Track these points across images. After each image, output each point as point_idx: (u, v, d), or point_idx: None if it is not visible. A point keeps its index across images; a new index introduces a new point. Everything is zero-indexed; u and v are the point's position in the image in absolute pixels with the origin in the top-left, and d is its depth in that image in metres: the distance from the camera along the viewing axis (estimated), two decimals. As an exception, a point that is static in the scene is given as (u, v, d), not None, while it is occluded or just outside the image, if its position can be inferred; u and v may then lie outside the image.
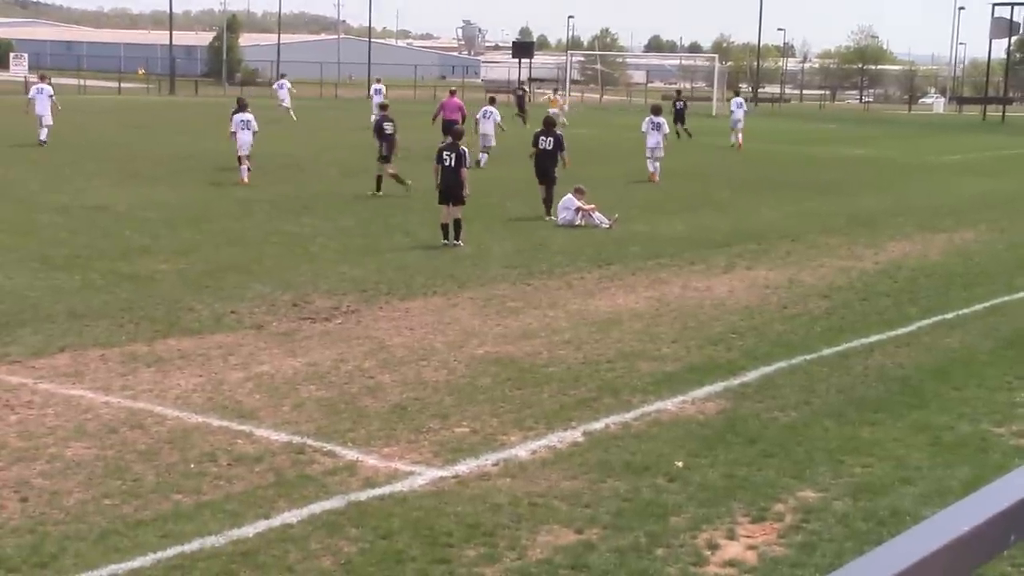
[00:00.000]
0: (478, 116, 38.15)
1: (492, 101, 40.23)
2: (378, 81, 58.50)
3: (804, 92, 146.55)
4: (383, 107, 30.42)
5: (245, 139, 29.59)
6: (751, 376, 12.54)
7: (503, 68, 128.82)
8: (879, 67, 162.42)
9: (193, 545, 7.75)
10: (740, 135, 49.04)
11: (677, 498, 8.80)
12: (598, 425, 10.65)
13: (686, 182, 33.87)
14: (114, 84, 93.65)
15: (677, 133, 46.42)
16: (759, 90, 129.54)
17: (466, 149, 21.48)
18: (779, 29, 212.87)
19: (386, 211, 25.33)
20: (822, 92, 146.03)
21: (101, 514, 8.23)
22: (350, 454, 9.64)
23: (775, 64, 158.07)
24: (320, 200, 26.96)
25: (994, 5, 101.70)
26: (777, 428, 10.70)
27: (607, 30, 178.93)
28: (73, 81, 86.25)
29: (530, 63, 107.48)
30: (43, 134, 38.69)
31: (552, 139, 25.85)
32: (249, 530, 8.02)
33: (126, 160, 35.23)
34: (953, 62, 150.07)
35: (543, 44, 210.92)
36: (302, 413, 10.74)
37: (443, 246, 20.54)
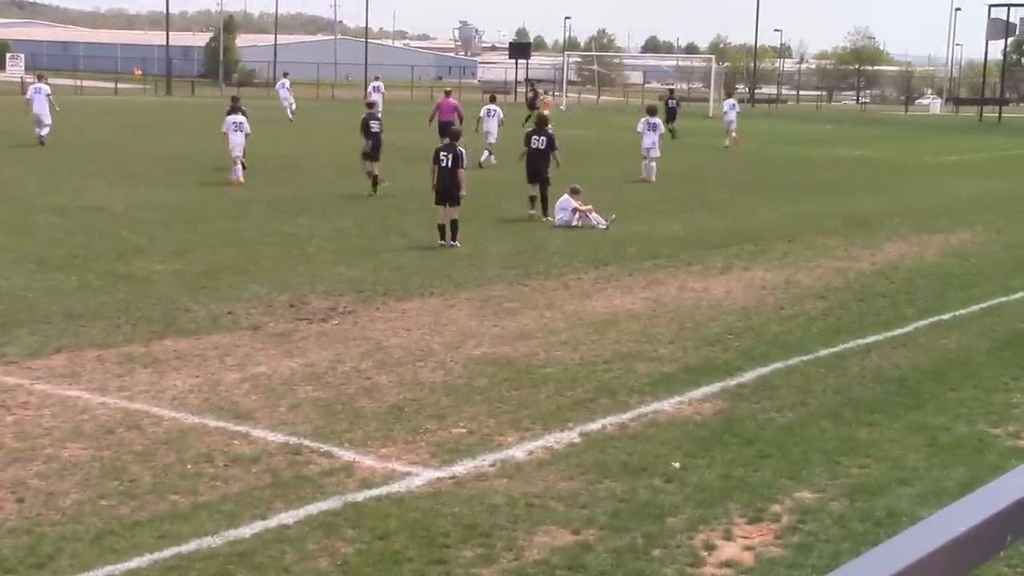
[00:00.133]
0: (481, 114, 38.27)
1: (493, 99, 40.44)
2: (376, 79, 58.53)
3: (801, 93, 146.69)
4: (370, 105, 30.39)
5: (237, 140, 29.71)
6: (748, 377, 12.54)
7: (500, 69, 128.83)
8: (876, 68, 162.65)
9: (190, 546, 7.74)
10: (734, 135, 49.53)
11: (674, 499, 8.80)
12: (595, 426, 10.65)
13: (683, 183, 33.89)
14: (111, 84, 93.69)
15: (671, 132, 46.75)
16: (756, 91, 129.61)
17: (463, 150, 21.44)
18: (776, 30, 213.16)
19: (383, 212, 25.32)
20: (819, 93, 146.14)
21: (97, 515, 8.22)
22: (347, 455, 9.64)
23: (772, 65, 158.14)
24: (317, 201, 26.96)
25: (990, 6, 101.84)
26: (774, 429, 10.71)
27: (604, 31, 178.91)
28: (69, 81, 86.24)
29: (527, 64, 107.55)
30: (44, 132, 38.88)
31: (544, 138, 25.79)
32: (246, 531, 8.02)
33: (123, 161, 35.22)
34: (950, 63, 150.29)
35: (540, 45, 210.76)
36: (299, 414, 10.74)
37: (440, 247, 20.53)
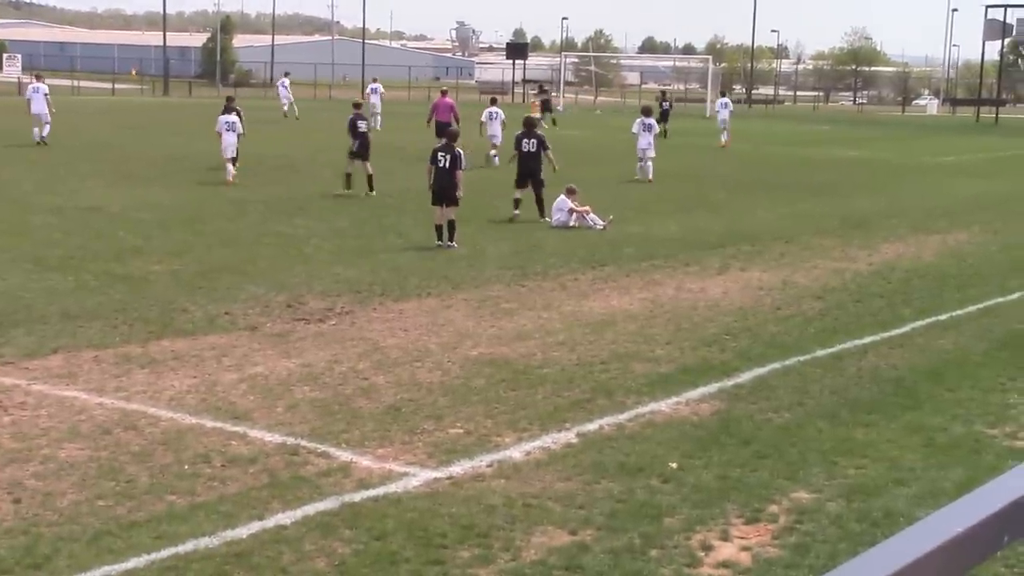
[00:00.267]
0: (483, 119, 38.37)
1: (494, 102, 40.62)
2: (375, 80, 58.57)
3: (798, 94, 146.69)
4: (356, 105, 30.43)
5: (229, 140, 29.85)
6: (745, 377, 12.55)
7: (497, 69, 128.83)
8: (873, 69, 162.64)
9: (187, 546, 7.74)
10: (726, 134, 49.78)
11: (671, 499, 8.80)
12: (592, 426, 10.65)
13: (680, 183, 33.91)
14: (108, 85, 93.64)
15: (665, 132, 47.04)
16: (753, 92, 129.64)
17: (462, 151, 21.42)
18: (773, 30, 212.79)
19: (380, 212, 25.32)
20: (816, 94, 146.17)
21: (95, 515, 8.22)
22: (344, 455, 9.64)
23: (769, 66, 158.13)
24: (314, 201, 26.96)
25: (987, 7, 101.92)
26: (771, 429, 10.71)
27: (601, 31, 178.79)
28: (67, 82, 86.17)
29: (524, 64, 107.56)
30: (44, 131, 39.12)
31: (535, 140, 25.69)
32: (243, 531, 8.02)
33: (120, 161, 35.21)
34: (946, 64, 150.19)
35: (537, 45, 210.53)
36: (296, 414, 10.73)
37: (437, 247, 20.53)
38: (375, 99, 54.53)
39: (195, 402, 11.02)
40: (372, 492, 8.80)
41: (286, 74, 65.70)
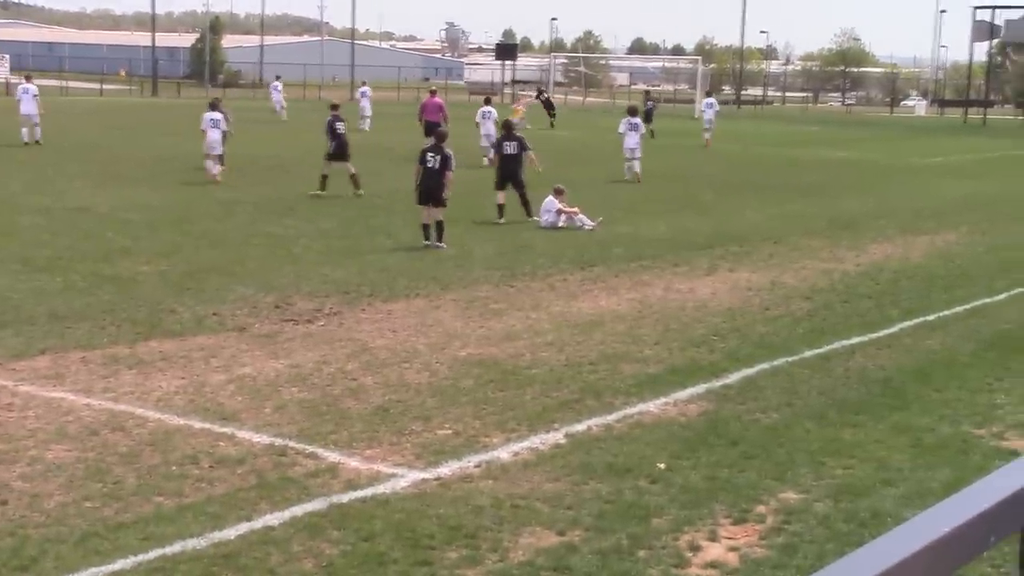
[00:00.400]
0: (478, 119, 38.61)
1: (488, 101, 40.86)
2: (364, 84, 58.54)
3: (787, 95, 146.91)
4: (334, 107, 30.47)
5: (214, 137, 29.91)
6: (733, 378, 12.56)
7: (486, 70, 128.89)
8: (861, 69, 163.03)
9: (174, 547, 7.72)
10: (709, 134, 50.15)
11: (659, 500, 8.80)
12: (580, 427, 10.65)
13: (668, 184, 33.94)
14: (96, 85, 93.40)
15: (652, 133, 47.32)
16: (742, 93, 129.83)
17: (451, 152, 21.41)
18: (762, 31, 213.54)
19: (368, 213, 25.30)
20: (805, 95, 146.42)
21: (82, 517, 8.20)
22: (332, 456, 9.63)
23: (758, 67, 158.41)
24: (303, 202, 26.94)
25: (975, 8, 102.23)
26: (759, 430, 10.72)
27: (590, 32, 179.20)
28: (55, 82, 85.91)
29: (513, 65, 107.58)
30: (37, 133, 39.11)
31: (515, 143, 25.78)
32: (231, 532, 8.00)
33: (108, 161, 35.14)
34: (935, 65, 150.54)
35: (526, 46, 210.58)
36: (284, 415, 10.72)
37: (425, 247, 20.52)
38: (365, 102, 54.50)
39: (183, 403, 10.99)
40: (360, 493, 8.78)
41: (277, 77, 65.71)
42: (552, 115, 62.00)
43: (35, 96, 39.68)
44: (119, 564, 7.46)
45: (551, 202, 24.20)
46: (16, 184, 28.48)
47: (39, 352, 12.65)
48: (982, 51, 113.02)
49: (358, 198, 27.72)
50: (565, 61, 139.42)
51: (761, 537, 8.20)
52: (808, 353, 13.80)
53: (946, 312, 16.55)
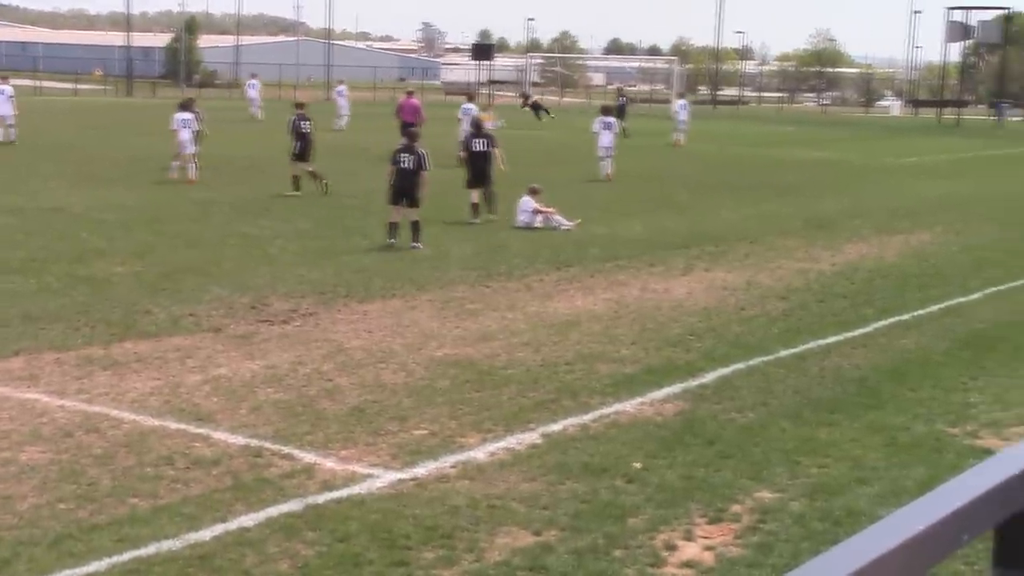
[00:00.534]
0: (460, 115, 38.78)
1: (470, 98, 41.17)
2: (341, 83, 58.41)
3: (763, 95, 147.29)
4: (299, 106, 30.44)
5: (184, 137, 29.92)
6: (709, 378, 12.59)
7: (463, 70, 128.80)
8: (836, 70, 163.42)
9: (149, 549, 7.69)
10: (682, 135, 50.56)
11: (635, 499, 8.81)
12: (556, 427, 10.65)
13: (644, 184, 33.99)
14: (71, 85, 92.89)
15: (624, 131, 47.56)
16: (718, 93, 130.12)
17: (425, 151, 21.39)
18: (737, 32, 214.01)
19: (344, 213, 25.25)
20: (780, 95, 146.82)
21: (56, 518, 8.15)
22: (308, 457, 9.60)
23: (734, 67, 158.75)
24: (279, 202, 26.87)
25: (949, 9, 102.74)
26: (734, 429, 10.74)
27: (567, 32, 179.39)
28: (29, 82, 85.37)
29: (490, 65, 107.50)
30: (11, 134, 39.01)
31: (485, 140, 25.99)
32: (206, 534, 7.97)
33: (83, 162, 34.97)
34: (909, 65, 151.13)
35: (503, 46, 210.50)
36: (260, 416, 10.69)
37: (389, 245, 20.44)
38: (342, 101, 54.41)
39: (158, 404, 10.95)
40: (336, 494, 8.77)
41: (254, 75, 65.42)
42: (546, 112, 62.85)
43: (11, 97, 39.53)
44: (93, 566, 7.42)
45: (527, 202, 24.20)
46: (-11, 184, 28.30)
47: (13, 353, 12.58)
48: (956, 51, 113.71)
49: (326, 194, 27.68)
50: (542, 61, 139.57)
51: (737, 536, 8.21)
52: (783, 352, 13.84)
53: (920, 311, 16.62)
